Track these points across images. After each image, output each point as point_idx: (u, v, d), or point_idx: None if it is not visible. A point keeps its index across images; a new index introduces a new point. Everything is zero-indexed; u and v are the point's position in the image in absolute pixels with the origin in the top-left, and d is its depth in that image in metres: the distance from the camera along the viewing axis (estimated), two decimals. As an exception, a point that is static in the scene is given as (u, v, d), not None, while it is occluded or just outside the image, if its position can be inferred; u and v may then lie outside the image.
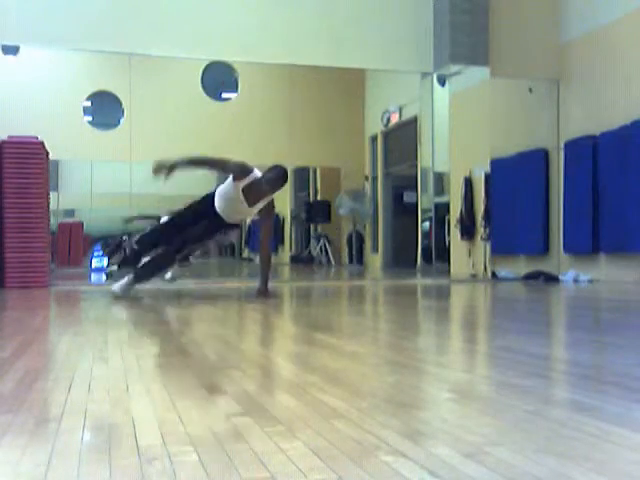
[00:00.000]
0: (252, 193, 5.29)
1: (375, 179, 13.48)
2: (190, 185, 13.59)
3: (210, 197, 5.46)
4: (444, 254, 9.45)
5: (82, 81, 11.83)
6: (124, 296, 5.33)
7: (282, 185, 5.48)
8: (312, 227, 14.76)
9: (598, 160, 7.74)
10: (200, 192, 5.84)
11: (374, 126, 13.11)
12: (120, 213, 13.20)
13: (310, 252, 14.30)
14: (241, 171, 5.29)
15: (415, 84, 9.57)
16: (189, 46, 8.11)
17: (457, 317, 4.70)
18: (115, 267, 10.07)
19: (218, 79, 12.64)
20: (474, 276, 9.01)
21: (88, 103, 12.11)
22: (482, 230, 9.27)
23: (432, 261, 9.40)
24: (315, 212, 14.14)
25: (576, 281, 7.65)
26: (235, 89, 12.45)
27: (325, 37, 8.30)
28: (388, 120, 12.52)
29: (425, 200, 9.65)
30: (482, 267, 9.03)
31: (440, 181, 9.38)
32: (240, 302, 5.18)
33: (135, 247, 5.43)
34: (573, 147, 8.22)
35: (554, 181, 8.67)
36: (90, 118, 12.11)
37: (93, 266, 12.91)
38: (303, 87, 12.25)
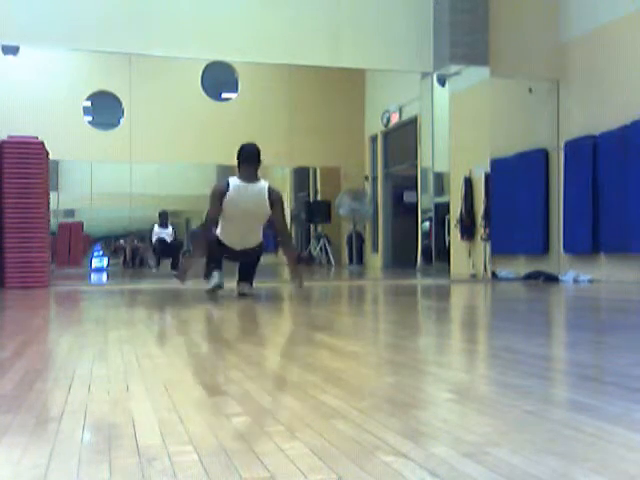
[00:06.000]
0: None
1: (375, 179, 13.48)
2: (189, 186, 13.61)
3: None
4: (444, 254, 9.46)
5: (82, 81, 11.84)
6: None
7: (251, 159, 5.40)
8: (312, 227, 14.76)
9: (598, 160, 7.74)
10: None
11: (374, 126, 13.12)
12: (120, 213, 13.23)
13: (310, 252, 14.30)
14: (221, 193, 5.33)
15: (415, 84, 9.57)
16: (189, 46, 8.11)
17: (457, 317, 4.70)
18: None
19: (218, 79, 12.65)
20: (474, 276, 9.01)
21: (88, 103, 12.12)
22: (482, 230, 9.27)
23: (432, 261, 9.40)
24: (315, 212, 14.14)
25: (576, 281, 7.65)
26: (235, 89, 12.46)
27: (325, 37, 8.30)
28: (388, 120, 12.52)
29: (425, 200, 9.65)
30: (482, 267, 9.03)
31: (440, 181, 9.38)
32: (239, 302, 5.18)
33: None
34: (573, 147, 8.22)
35: (554, 181, 8.67)
36: (90, 118, 12.12)
37: (93, 266, 12.93)
38: (303, 87, 12.25)
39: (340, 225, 14.19)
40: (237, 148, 5.50)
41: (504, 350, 2.72)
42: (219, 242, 5.42)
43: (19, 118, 9.70)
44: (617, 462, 1.22)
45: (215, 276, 5.39)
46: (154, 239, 11.20)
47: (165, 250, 10.94)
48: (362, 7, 8.46)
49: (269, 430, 1.44)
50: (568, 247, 8.34)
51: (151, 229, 11.38)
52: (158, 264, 10.98)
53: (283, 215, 5.55)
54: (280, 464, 1.21)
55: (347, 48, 8.41)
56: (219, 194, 5.30)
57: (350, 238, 13.70)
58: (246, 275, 5.60)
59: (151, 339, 3.25)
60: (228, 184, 5.33)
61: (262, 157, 5.50)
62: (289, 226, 15.97)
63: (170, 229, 11.31)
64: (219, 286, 5.40)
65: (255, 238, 5.53)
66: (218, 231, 5.45)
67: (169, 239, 11.09)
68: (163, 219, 11.30)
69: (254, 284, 5.69)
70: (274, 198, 5.40)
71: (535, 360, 2.44)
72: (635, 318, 4.18)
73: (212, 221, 5.36)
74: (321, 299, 6.15)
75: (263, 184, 5.40)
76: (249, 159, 5.39)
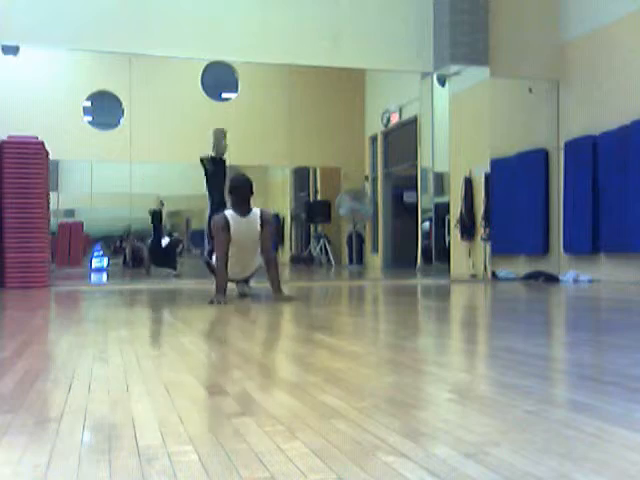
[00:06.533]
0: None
1: (375, 179, 13.48)
2: (189, 186, 13.62)
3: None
4: (444, 254, 9.45)
5: (82, 81, 11.84)
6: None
7: (244, 193, 5.36)
8: (312, 227, 14.76)
9: (598, 160, 7.74)
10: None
11: (374, 126, 13.12)
12: (120, 213, 13.22)
13: (310, 252, 14.30)
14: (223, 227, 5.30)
15: (415, 84, 9.57)
16: (189, 46, 8.11)
17: (457, 317, 4.70)
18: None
19: (218, 79, 12.65)
20: (474, 276, 9.01)
21: (88, 103, 12.13)
22: (482, 230, 9.27)
23: (432, 261, 9.40)
24: (315, 212, 14.14)
25: (576, 281, 7.65)
26: (235, 89, 12.46)
27: (325, 37, 8.30)
28: (388, 120, 12.52)
29: (425, 200, 9.65)
30: (482, 267, 9.03)
31: (440, 181, 9.38)
32: (239, 302, 5.18)
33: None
34: (573, 147, 8.22)
35: (554, 181, 8.67)
36: (90, 118, 12.12)
37: (93, 266, 12.92)
38: (303, 87, 12.26)
39: (340, 225, 14.19)
40: (233, 181, 5.48)
41: (504, 350, 2.72)
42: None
43: (19, 118, 9.70)
44: (617, 462, 1.22)
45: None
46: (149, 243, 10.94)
47: (158, 258, 10.59)
48: (362, 7, 8.45)
49: (269, 430, 1.44)
50: (568, 247, 8.33)
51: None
52: (148, 271, 10.63)
53: (270, 236, 5.46)
54: (280, 464, 1.21)
55: (347, 48, 8.41)
56: (223, 226, 5.26)
57: (350, 238, 13.70)
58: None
59: (151, 339, 3.25)
60: (226, 218, 5.29)
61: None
62: (289, 226, 16.03)
63: (166, 239, 10.97)
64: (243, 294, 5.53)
65: (254, 264, 5.58)
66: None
67: (164, 243, 10.75)
68: (155, 219, 11.03)
69: (252, 283, 5.72)
70: (265, 219, 5.40)
71: (535, 360, 2.44)
72: (635, 318, 4.18)
73: (225, 252, 5.28)
74: (321, 299, 6.16)
75: (255, 212, 5.39)
76: (240, 192, 5.35)
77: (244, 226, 5.31)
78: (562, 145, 8.47)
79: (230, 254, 5.31)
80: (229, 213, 5.34)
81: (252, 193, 5.41)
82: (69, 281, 8.23)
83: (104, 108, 12.37)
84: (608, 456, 1.26)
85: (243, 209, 5.33)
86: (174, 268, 10.26)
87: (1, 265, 6.85)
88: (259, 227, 5.33)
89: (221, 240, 5.28)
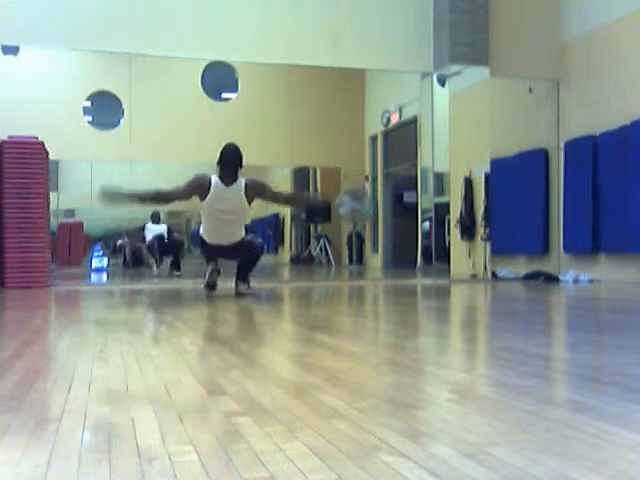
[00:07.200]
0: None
1: (375, 179, 13.49)
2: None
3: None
4: (444, 254, 9.46)
5: (82, 81, 11.85)
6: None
7: (232, 162, 5.43)
8: (312, 227, 14.76)
9: (598, 160, 7.74)
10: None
11: (374, 126, 13.13)
12: (120, 213, 13.23)
13: (310, 252, 14.30)
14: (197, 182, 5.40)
15: (415, 84, 9.57)
16: (189, 46, 8.11)
17: (457, 317, 4.70)
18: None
19: (218, 79, 12.66)
20: (474, 276, 9.01)
21: (88, 103, 12.14)
22: (482, 230, 9.27)
23: (432, 261, 9.40)
24: (315, 212, 14.15)
25: (576, 281, 7.64)
26: (235, 89, 12.47)
27: (325, 37, 8.30)
28: (388, 120, 12.52)
29: (425, 200, 9.65)
30: (482, 267, 9.03)
31: (440, 181, 9.38)
32: (239, 302, 5.18)
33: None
34: (573, 147, 8.22)
35: (554, 181, 8.67)
36: (90, 118, 12.13)
37: (93, 266, 12.93)
38: (303, 87, 12.27)
39: (340, 225, 14.19)
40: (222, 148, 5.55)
41: (504, 350, 2.72)
42: (203, 241, 5.56)
43: (19, 118, 9.71)
44: (617, 462, 1.22)
45: (208, 269, 5.58)
46: (149, 236, 10.88)
47: (164, 247, 10.63)
48: (362, 7, 8.46)
49: (269, 430, 1.44)
50: (568, 247, 8.34)
51: (143, 227, 11.17)
52: (159, 261, 10.66)
53: (275, 191, 5.68)
54: (280, 464, 1.21)
55: (347, 48, 8.41)
56: (199, 187, 5.37)
57: (350, 238, 13.71)
58: (243, 274, 5.63)
59: (151, 339, 3.25)
60: (210, 183, 5.36)
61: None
62: (289, 226, 16.00)
63: (164, 225, 11.03)
64: (211, 285, 5.56)
65: (237, 234, 5.55)
66: (201, 231, 5.58)
67: (165, 235, 10.77)
68: (155, 218, 11.07)
69: (251, 282, 5.72)
70: (255, 187, 5.47)
71: (535, 360, 2.44)
72: (635, 318, 4.18)
73: (173, 198, 5.46)
74: (321, 299, 6.16)
75: (239, 182, 5.43)
76: (230, 162, 5.41)
77: (226, 195, 5.37)
78: (562, 145, 8.47)
79: (208, 219, 5.43)
80: (215, 179, 5.40)
81: (241, 165, 5.48)
82: (69, 281, 8.23)
83: (104, 108, 12.38)
84: (608, 456, 1.26)
85: (229, 180, 5.41)
86: (178, 268, 10.24)
87: (1, 265, 6.85)
88: (244, 199, 5.39)
89: (183, 193, 5.40)
